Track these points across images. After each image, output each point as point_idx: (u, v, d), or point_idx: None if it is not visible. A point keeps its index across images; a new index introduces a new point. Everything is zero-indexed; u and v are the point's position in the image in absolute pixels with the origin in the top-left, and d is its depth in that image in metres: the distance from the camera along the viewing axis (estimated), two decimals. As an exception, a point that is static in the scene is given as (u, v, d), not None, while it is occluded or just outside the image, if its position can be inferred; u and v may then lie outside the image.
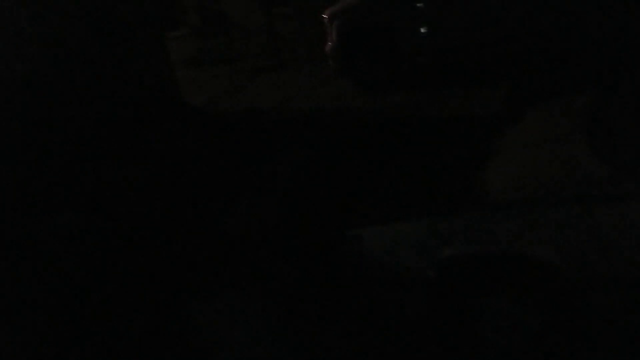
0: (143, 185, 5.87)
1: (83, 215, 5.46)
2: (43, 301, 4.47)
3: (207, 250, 4.70)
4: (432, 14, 6.76)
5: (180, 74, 9.72)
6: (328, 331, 3.58)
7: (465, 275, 2.90)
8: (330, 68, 7.88)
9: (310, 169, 5.72)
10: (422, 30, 6.81)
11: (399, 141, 5.79)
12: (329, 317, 3.67)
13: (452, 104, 6.36)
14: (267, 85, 9.52)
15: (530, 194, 2.86)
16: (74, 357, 3.94)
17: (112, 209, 5.56)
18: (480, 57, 6.78)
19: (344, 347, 3.46)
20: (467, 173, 3.39)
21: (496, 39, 6.53)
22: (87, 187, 5.96)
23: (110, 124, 7.14)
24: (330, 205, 4.86)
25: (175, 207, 5.50)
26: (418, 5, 6.77)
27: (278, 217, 4.94)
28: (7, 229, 5.26)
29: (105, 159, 6.41)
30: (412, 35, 6.90)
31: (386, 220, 3.21)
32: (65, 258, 4.86)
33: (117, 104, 7.53)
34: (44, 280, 4.70)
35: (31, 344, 4.13)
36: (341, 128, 6.57)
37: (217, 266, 4.45)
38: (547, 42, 6.25)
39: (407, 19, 6.90)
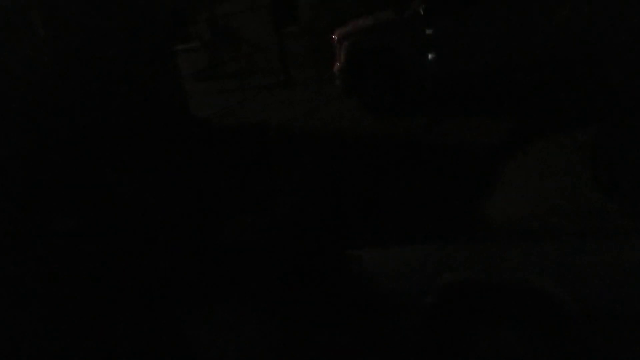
0: (148, 193, 5.89)
1: (86, 220, 5.47)
2: (39, 302, 4.47)
3: (203, 259, 4.70)
4: (440, 41, 6.81)
5: (189, 86, 9.79)
6: (323, 349, 3.58)
7: (464, 302, 2.91)
8: (336, 88, 7.94)
9: (312, 187, 5.74)
10: (430, 56, 6.85)
11: (403, 164, 5.82)
12: (324, 336, 3.67)
13: (456, 130, 6.40)
14: (274, 102, 9.58)
15: (533, 224, 2.87)
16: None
17: (115, 215, 5.58)
18: (486, 85, 6.82)
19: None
20: (471, 200, 3.40)
21: (502, 69, 6.57)
22: (92, 193, 5.98)
23: (117, 133, 7.17)
24: (331, 224, 4.87)
25: (176, 216, 5.52)
26: (427, 31, 6.81)
27: (277, 231, 4.95)
28: (11, 231, 5.28)
29: (111, 168, 6.44)
30: (419, 61, 6.94)
31: (388, 243, 3.21)
32: (65, 261, 4.87)
33: (126, 114, 7.57)
34: (41, 282, 4.70)
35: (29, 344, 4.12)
36: (345, 148, 6.60)
37: (211, 276, 4.45)
38: (554, 72, 6.28)
39: (415, 44, 6.94)
